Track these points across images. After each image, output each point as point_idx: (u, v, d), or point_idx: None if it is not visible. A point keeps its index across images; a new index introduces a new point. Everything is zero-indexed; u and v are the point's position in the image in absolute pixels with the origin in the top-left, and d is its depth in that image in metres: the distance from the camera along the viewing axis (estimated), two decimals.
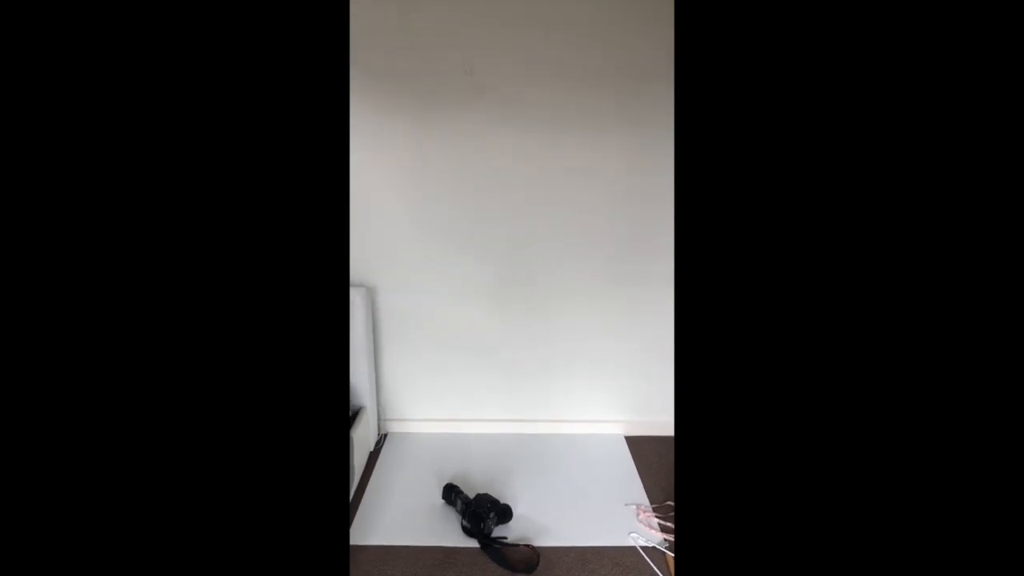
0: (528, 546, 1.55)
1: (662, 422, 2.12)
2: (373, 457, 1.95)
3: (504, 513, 1.62)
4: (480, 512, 1.57)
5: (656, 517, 1.68)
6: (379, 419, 2.09)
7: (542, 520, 1.66)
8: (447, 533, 1.60)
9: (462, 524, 1.61)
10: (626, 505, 1.74)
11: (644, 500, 1.77)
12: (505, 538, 1.57)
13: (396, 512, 1.69)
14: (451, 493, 1.69)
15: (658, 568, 1.49)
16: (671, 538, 1.59)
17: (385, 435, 2.10)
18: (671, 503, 1.75)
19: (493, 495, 1.65)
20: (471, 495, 1.66)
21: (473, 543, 1.56)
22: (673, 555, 1.53)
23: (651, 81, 1.71)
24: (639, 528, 1.64)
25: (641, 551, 1.55)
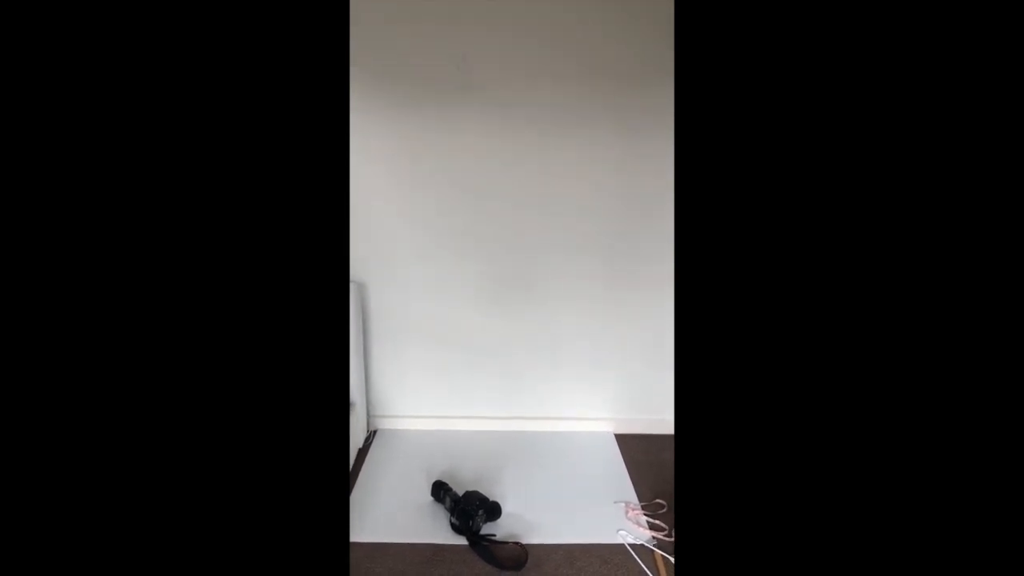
0: (517, 543, 1.55)
1: (652, 420, 2.13)
2: (362, 454, 1.94)
3: (493, 510, 1.62)
4: (469, 509, 1.57)
5: (645, 515, 1.68)
6: (368, 415, 2.08)
7: (531, 517, 1.66)
8: (436, 530, 1.60)
9: (451, 521, 1.61)
10: (615, 503, 1.74)
11: (633, 498, 1.77)
12: (494, 535, 1.57)
13: (384, 509, 1.68)
14: (440, 490, 1.68)
15: (646, 566, 1.50)
16: (659, 536, 1.60)
17: (374, 431, 2.09)
18: (660, 501, 1.75)
19: (482, 492, 1.65)
20: (460, 492, 1.65)
21: (461, 540, 1.56)
22: (661, 553, 1.53)
23: (648, 81, 1.70)
24: (628, 526, 1.64)
25: (629, 548, 1.55)
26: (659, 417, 2.12)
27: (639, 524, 1.64)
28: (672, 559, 1.51)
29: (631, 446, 2.05)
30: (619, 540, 1.58)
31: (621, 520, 1.67)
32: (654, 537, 1.60)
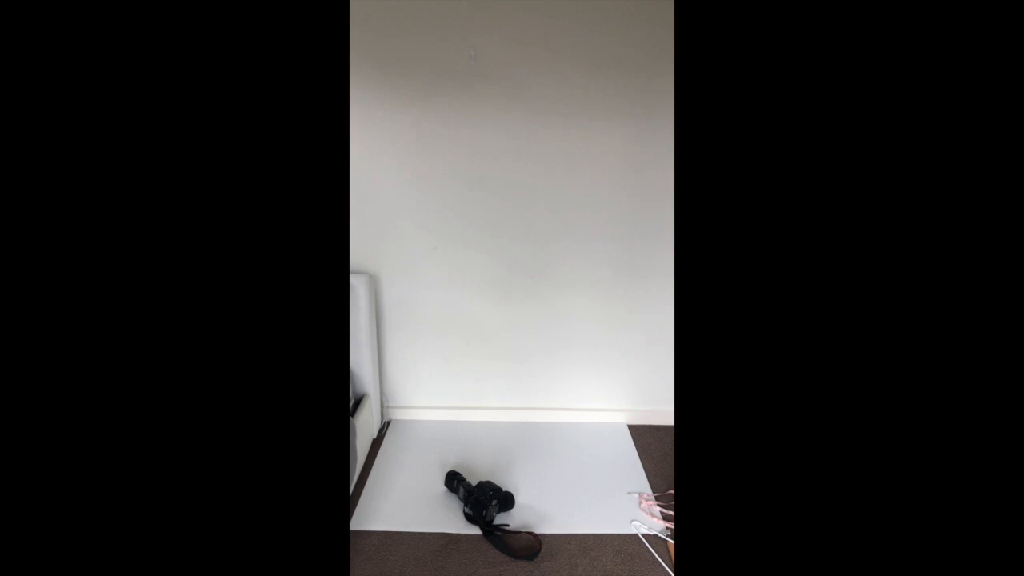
0: (530, 533, 1.56)
1: (665, 411, 2.12)
2: (376, 444, 1.96)
3: (506, 500, 1.63)
4: (482, 499, 1.58)
5: (658, 505, 1.68)
6: (382, 406, 2.09)
7: (544, 507, 1.67)
8: (449, 520, 1.61)
9: (464, 511, 1.62)
10: (628, 493, 1.74)
11: (646, 488, 1.77)
12: (507, 525, 1.58)
13: (399, 499, 1.70)
14: (453, 480, 1.69)
15: (659, 556, 1.49)
16: (673, 526, 1.60)
17: (388, 422, 2.11)
18: (673, 492, 1.75)
19: (495, 483, 1.66)
20: (473, 482, 1.66)
21: (475, 530, 1.57)
22: (675, 543, 1.53)
23: (658, 71, 1.68)
24: (641, 516, 1.64)
25: (643, 539, 1.55)
26: (672, 408, 2.11)
27: (652, 514, 1.64)
28: None
29: (644, 437, 2.05)
30: (632, 530, 1.58)
31: (634, 510, 1.67)
32: (667, 527, 1.59)
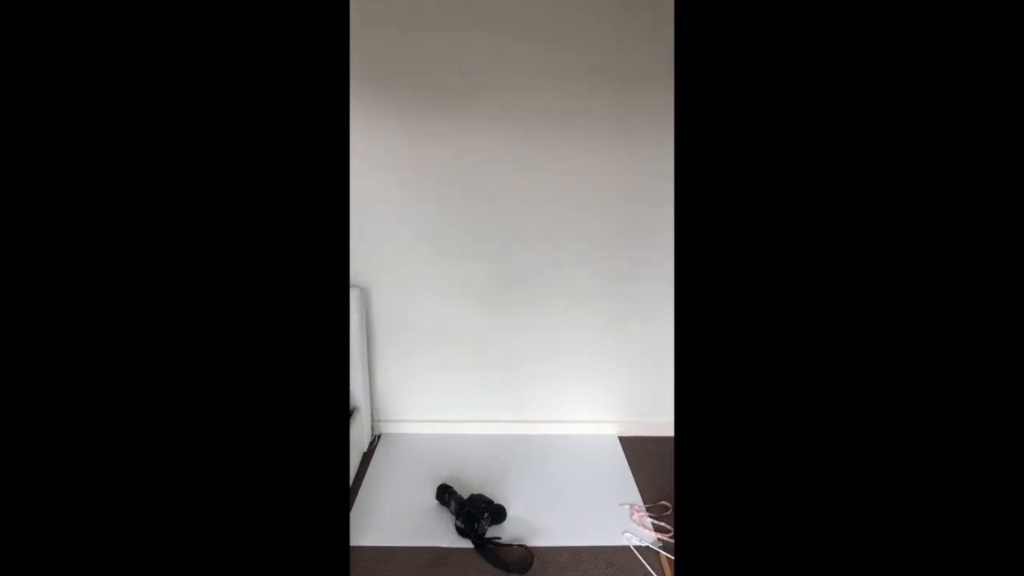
0: (522, 546, 1.55)
1: (656, 423, 2.13)
2: (367, 458, 1.95)
3: (498, 513, 1.62)
4: (474, 512, 1.57)
5: (650, 517, 1.68)
6: (373, 420, 2.08)
7: (536, 520, 1.66)
8: (441, 534, 1.60)
9: (456, 525, 1.61)
10: (620, 505, 1.74)
11: (638, 500, 1.77)
12: (499, 538, 1.57)
13: (390, 513, 1.68)
14: (445, 494, 1.69)
15: (652, 567, 1.49)
16: (664, 538, 1.60)
17: (379, 436, 2.09)
18: (665, 503, 1.75)
19: (487, 496, 1.65)
20: (465, 496, 1.66)
21: (467, 543, 1.56)
22: (667, 555, 1.53)
23: (648, 83, 1.71)
24: (633, 528, 1.64)
25: (635, 551, 1.55)
26: (662, 419, 2.12)
27: (644, 526, 1.64)
28: None
29: (635, 448, 2.05)
30: (624, 542, 1.58)
31: (626, 522, 1.67)
32: (659, 539, 1.59)
